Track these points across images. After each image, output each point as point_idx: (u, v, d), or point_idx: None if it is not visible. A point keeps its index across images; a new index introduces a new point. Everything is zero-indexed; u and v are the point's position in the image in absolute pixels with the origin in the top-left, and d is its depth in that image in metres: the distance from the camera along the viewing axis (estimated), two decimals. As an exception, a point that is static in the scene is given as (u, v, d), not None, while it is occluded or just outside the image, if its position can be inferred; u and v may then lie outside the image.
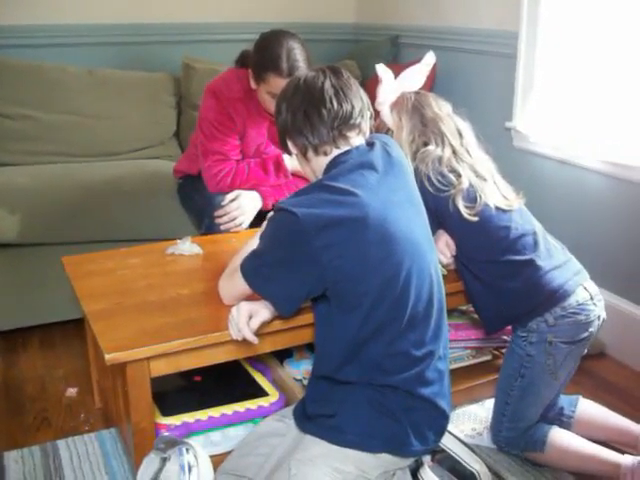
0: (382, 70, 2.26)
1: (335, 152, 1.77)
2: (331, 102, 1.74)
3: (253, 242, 1.93)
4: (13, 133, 3.33)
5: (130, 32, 3.94)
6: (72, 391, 2.60)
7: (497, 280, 2.07)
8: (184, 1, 4.08)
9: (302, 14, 4.33)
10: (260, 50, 2.43)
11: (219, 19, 4.17)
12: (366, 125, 1.82)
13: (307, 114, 1.75)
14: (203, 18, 4.13)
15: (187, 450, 1.63)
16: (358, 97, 1.80)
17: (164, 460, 1.64)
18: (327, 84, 1.76)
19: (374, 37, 4.25)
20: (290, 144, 1.84)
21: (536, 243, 2.06)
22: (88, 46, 3.85)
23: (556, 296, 2.01)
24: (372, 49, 4.11)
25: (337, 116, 1.74)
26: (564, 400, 2.23)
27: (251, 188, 2.65)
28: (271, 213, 1.80)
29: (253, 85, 2.50)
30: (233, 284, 1.85)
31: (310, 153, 1.79)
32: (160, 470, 1.62)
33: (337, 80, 1.78)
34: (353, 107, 1.77)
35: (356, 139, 1.79)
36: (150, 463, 1.69)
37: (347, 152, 1.77)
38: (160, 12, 4.01)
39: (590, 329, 2.05)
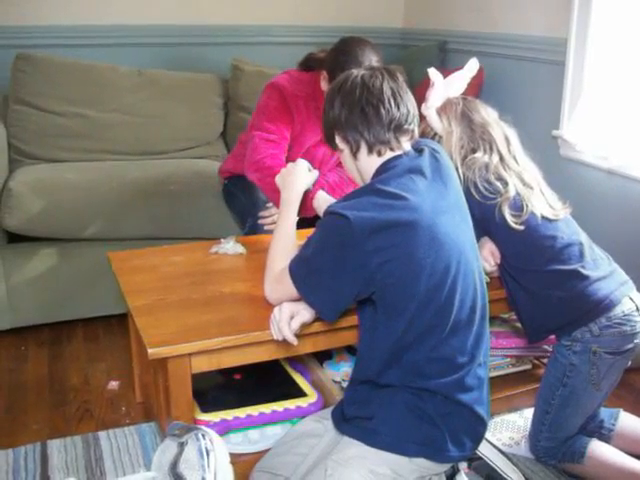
0: (434, 74, 2.25)
1: (388, 155, 1.77)
2: (389, 103, 1.74)
3: (289, 240, 1.97)
4: (64, 130, 3.39)
5: (180, 33, 4.00)
6: (114, 384, 2.65)
7: (542, 289, 2.06)
8: (234, 3, 4.12)
9: (351, 18, 4.35)
10: (341, 53, 2.40)
11: (268, 22, 4.21)
12: (416, 130, 1.82)
13: (365, 112, 1.74)
14: (252, 20, 4.17)
15: (203, 436, 1.64)
16: (412, 102, 1.80)
17: (182, 445, 1.65)
18: (385, 85, 1.76)
19: (422, 42, 4.24)
20: (339, 139, 1.83)
21: (582, 253, 2.04)
22: (139, 47, 3.92)
23: (601, 306, 1.99)
24: (420, 54, 4.10)
25: (394, 118, 1.74)
26: (605, 413, 2.21)
27: (268, 187, 2.52)
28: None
29: (324, 86, 2.48)
30: (282, 288, 1.83)
31: (362, 151, 1.78)
32: (180, 454, 1.63)
33: (394, 82, 1.78)
34: (408, 111, 1.77)
35: (407, 144, 1.80)
36: (167, 448, 1.70)
37: (398, 156, 1.77)
38: (210, 14, 4.06)
39: (635, 340, 2.02)
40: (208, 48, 4.06)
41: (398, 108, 1.75)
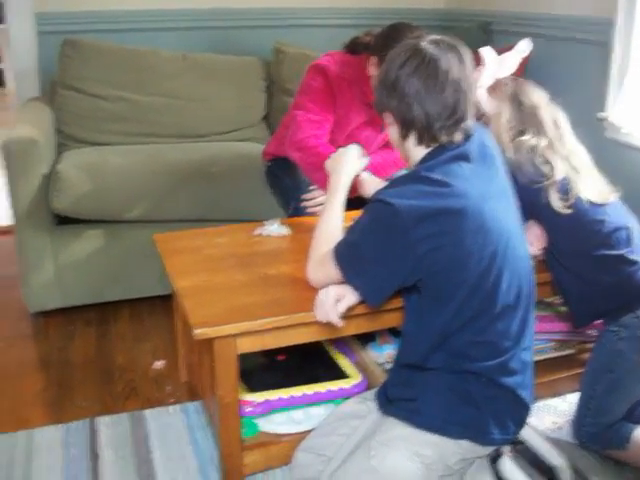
0: (487, 53, 2.22)
1: (434, 145, 1.73)
2: (450, 99, 1.67)
3: (335, 224, 1.95)
4: (110, 114, 3.44)
5: (223, 17, 4.01)
6: (159, 364, 2.70)
7: (589, 274, 2.04)
8: (275, -14, 4.12)
9: (393, 0, 4.32)
10: (392, 39, 2.34)
11: (310, 4, 4.20)
12: (470, 123, 1.75)
13: (422, 101, 1.67)
14: (294, 3, 4.16)
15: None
16: (472, 87, 1.72)
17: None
18: (452, 73, 1.66)
19: (465, 23, 4.19)
20: (389, 116, 1.77)
21: (630, 238, 2.02)
22: (182, 30, 3.95)
23: (650, 292, 1.97)
24: (463, 36, 3.98)
25: (451, 115, 1.68)
26: (651, 399, 2.19)
27: (310, 167, 2.55)
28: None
29: (373, 71, 2.47)
30: (325, 271, 1.84)
31: (411, 139, 1.75)
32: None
33: (460, 69, 1.68)
34: (467, 106, 1.70)
35: (459, 136, 1.73)
36: None
37: (446, 145, 1.72)
38: (252, -3, 4.07)
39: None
40: (251, 31, 4.07)
41: (458, 101, 1.68)
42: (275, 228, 2.42)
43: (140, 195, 3.00)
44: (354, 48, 2.64)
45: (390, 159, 2.74)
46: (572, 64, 3.44)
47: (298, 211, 2.67)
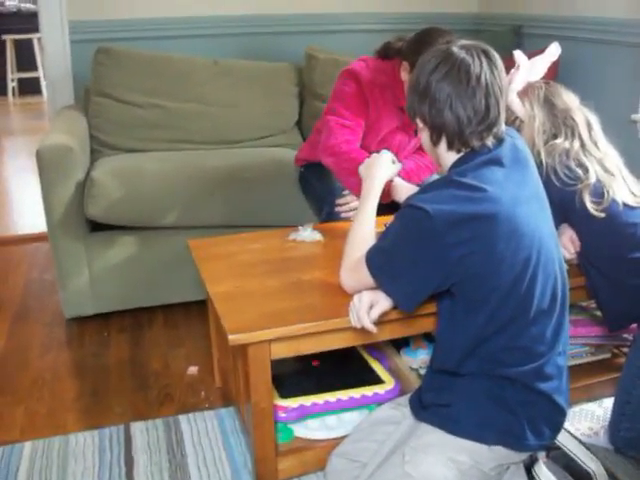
0: (520, 56, 2.21)
1: (466, 150, 1.73)
2: (481, 104, 1.66)
3: (368, 230, 1.96)
4: (143, 121, 3.47)
5: (254, 23, 4.04)
6: (193, 369, 2.71)
7: (624, 277, 2.02)
8: (306, -8, 4.14)
9: (425, 4, 4.33)
10: (424, 44, 2.29)
11: (341, 9, 4.21)
12: (502, 128, 1.74)
13: (453, 106, 1.67)
14: (325, 9, 4.18)
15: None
16: (504, 92, 1.71)
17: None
18: (483, 78, 1.65)
19: (497, 27, 4.19)
20: (421, 121, 1.77)
21: (664, 240, 2.00)
22: (214, 37, 3.98)
23: (684, 296, 1.95)
24: (495, 39, 4.00)
25: (482, 120, 1.67)
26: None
27: (344, 172, 2.55)
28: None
29: (405, 76, 2.47)
30: (358, 277, 1.84)
31: (442, 145, 1.75)
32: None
33: (491, 73, 1.67)
34: (499, 111, 1.69)
35: (490, 141, 1.71)
36: None
37: (477, 150, 1.72)
38: (283, 3, 4.09)
39: None
40: (282, 37, 4.10)
41: (489, 109, 1.67)
42: (308, 234, 2.43)
43: (174, 201, 3.02)
44: (386, 53, 2.64)
45: (423, 163, 2.73)
46: (604, 66, 3.42)
47: (332, 216, 2.67)
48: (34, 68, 8.76)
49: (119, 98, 3.44)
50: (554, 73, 3.38)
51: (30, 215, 4.57)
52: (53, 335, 3.00)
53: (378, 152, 2.25)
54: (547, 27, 3.79)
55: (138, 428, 2.34)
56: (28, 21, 8.17)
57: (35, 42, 8.53)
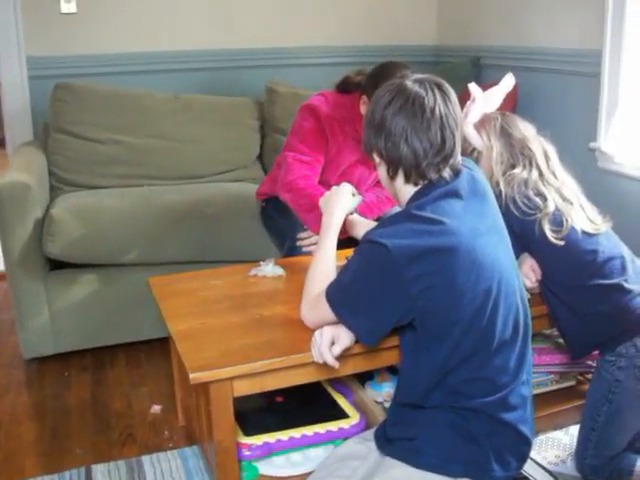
0: (475, 89, 2.23)
1: (424, 183, 1.73)
2: (436, 136, 1.67)
3: (328, 264, 1.94)
4: (103, 157, 3.45)
5: (214, 58, 4.06)
6: (156, 408, 2.67)
7: (584, 304, 2.03)
8: (266, 27, 4.17)
9: (383, 37, 4.38)
10: (382, 78, 2.31)
11: (301, 43, 4.24)
12: (459, 158, 1.75)
13: (409, 139, 1.67)
14: (285, 43, 4.21)
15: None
16: (459, 123, 1.72)
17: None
18: (437, 110, 1.67)
19: (455, 58, 4.24)
20: (377, 155, 1.78)
21: (624, 267, 2.01)
22: (174, 72, 3.98)
23: (646, 320, 1.96)
24: (454, 71, 4.08)
25: (439, 152, 1.68)
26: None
27: (301, 208, 2.57)
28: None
29: (364, 110, 2.47)
30: (319, 312, 1.83)
31: (399, 179, 1.75)
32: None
33: (445, 106, 1.68)
34: (454, 143, 1.70)
35: (447, 172, 1.72)
36: None
37: (435, 182, 1.72)
38: (243, 38, 4.10)
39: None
40: (242, 71, 4.11)
41: (445, 142, 1.68)
42: (270, 269, 2.41)
43: (134, 238, 2.99)
44: (346, 87, 2.66)
45: (384, 196, 2.74)
46: (563, 95, 3.47)
47: (293, 250, 2.66)
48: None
49: (78, 134, 3.41)
50: (513, 103, 3.43)
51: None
52: (11, 377, 2.93)
53: (338, 185, 2.24)
54: (506, 58, 3.85)
55: (100, 470, 2.28)
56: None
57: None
